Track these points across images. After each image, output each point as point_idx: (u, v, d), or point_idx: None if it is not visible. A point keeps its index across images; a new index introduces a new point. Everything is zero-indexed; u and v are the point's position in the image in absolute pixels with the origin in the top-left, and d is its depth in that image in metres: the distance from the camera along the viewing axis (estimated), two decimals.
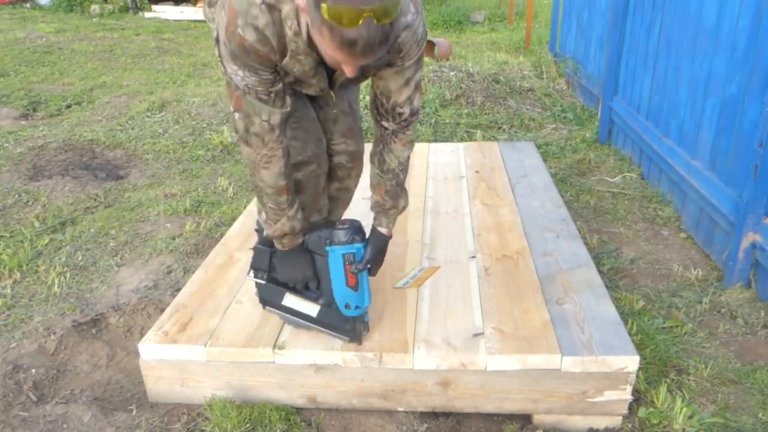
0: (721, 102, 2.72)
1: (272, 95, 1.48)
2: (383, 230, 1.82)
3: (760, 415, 1.86)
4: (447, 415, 1.88)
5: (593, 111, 4.78)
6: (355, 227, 1.72)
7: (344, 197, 2.08)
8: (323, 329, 1.85)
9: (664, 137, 3.34)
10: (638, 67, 3.79)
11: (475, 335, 1.84)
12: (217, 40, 1.46)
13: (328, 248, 1.71)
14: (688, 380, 2.00)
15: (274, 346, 1.82)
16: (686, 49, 3.10)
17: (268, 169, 1.57)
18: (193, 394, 1.90)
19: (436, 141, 4.36)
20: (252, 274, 1.88)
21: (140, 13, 10.82)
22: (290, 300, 1.85)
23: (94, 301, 2.47)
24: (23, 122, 4.90)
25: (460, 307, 1.98)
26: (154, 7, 11.02)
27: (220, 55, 1.46)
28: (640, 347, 2.04)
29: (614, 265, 2.71)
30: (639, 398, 1.89)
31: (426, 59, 6.69)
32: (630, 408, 1.81)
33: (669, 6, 3.33)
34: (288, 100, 1.54)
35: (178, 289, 2.34)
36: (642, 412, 1.83)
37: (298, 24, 1.37)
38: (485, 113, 4.87)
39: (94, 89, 5.88)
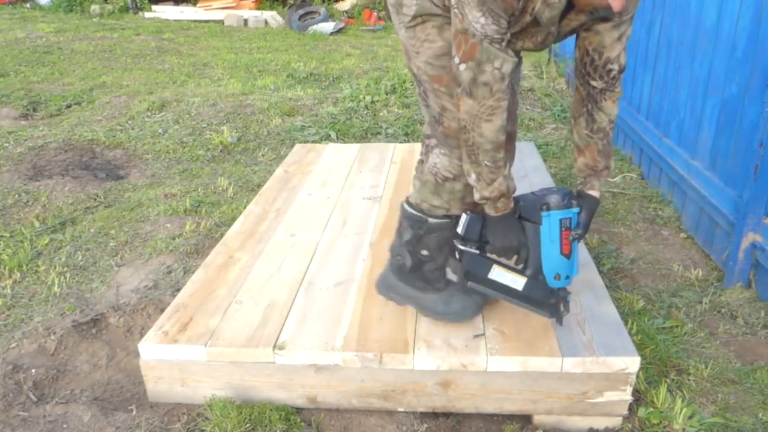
0: (721, 102, 2.72)
1: (503, 43, 1.46)
2: (595, 193, 1.74)
3: (760, 415, 1.86)
4: (447, 415, 1.88)
5: None
6: (567, 191, 1.65)
7: (510, 149, 1.94)
8: (525, 304, 1.75)
9: (664, 137, 3.34)
10: (638, 66, 3.79)
11: (476, 336, 1.84)
12: None
13: (543, 213, 1.62)
14: (688, 380, 2.00)
15: (274, 346, 1.82)
16: (686, 48, 3.10)
17: (491, 122, 1.51)
18: (193, 394, 1.90)
19: None
20: (463, 244, 1.74)
21: (140, 13, 10.81)
22: (497, 272, 1.73)
23: (94, 301, 2.47)
24: (23, 122, 4.90)
25: None
26: (154, 7, 11.01)
27: (460, 3, 1.42)
28: (640, 347, 2.04)
29: (614, 265, 2.71)
30: (639, 398, 1.89)
31: None
32: (630, 408, 1.81)
33: (669, 5, 3.33)
34: (512, 52, 1.51)
35: (178, 289, 2.34)
36: (642, 412, 1.83)
37: None
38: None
39: (94, 89, 5.88)
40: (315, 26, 9.36)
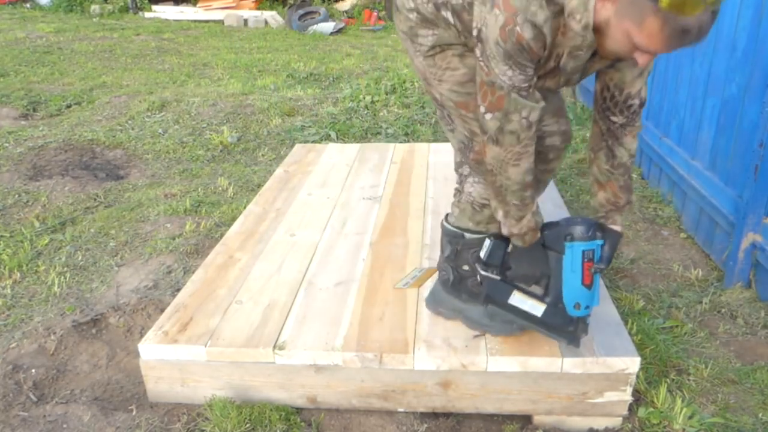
0: (721, 102, 2.72)
1: (531, 90, 1.46)
2: (618, 228, 1.73)
3: (760, 415, 1.86)
4: (447, 415, 1.88)
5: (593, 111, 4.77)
6: (593, 223, 1.66)
7: (546, 180, 1.96)
8: (543, 330, 1.77)
9: (664, 137, 3.34)
10: None
11: (476, 336, 1.84)
12: (481, 39, 1.41)
13: (567, 244, 1.64)
14: (688, 380, 2.00)
15: (275, 346, 1.82)
16: (686, 49, 3.10)
17: (518, 166, 1.53)
18: (193, 394, 1.90)
19: (436, 141, 4.36)
20: (486, 270, 1.77)
21: (140, 13, 10.81)
22: (517, 298, 1.76)
23: (94, 301, 2.47)
24: (23, 122, 4.90)
25: None
26: (154, 7, 11.01)
27: (485, 56, 1.42)
28: (640, 347, 2.04)
29: (614, 265, 2.71)
30: (639, 398, 1.89)
31: None
32: (630, 408, 1.81)
33: None
34: (540, 96, 1.51)
35: (178, 289, 2.34)
36: (642, 412, 1.83)
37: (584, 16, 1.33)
38: None
39: (94, 89, 5.88)
40: (315, 26, 9.36)
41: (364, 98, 5.10)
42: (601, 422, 1.81)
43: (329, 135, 4.48)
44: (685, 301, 2.44)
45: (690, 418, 1.79)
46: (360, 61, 7.27)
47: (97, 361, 2.15)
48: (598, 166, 1.73)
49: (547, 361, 1.74)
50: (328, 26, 9.38)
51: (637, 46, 1.28)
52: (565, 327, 1.73)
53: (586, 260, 1.64)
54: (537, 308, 1.75)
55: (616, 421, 1.81)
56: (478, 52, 1.44)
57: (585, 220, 1.67)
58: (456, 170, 1.87)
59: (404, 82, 5.29)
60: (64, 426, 1.83)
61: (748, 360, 2.12)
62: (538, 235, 1.67)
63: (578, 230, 1.63)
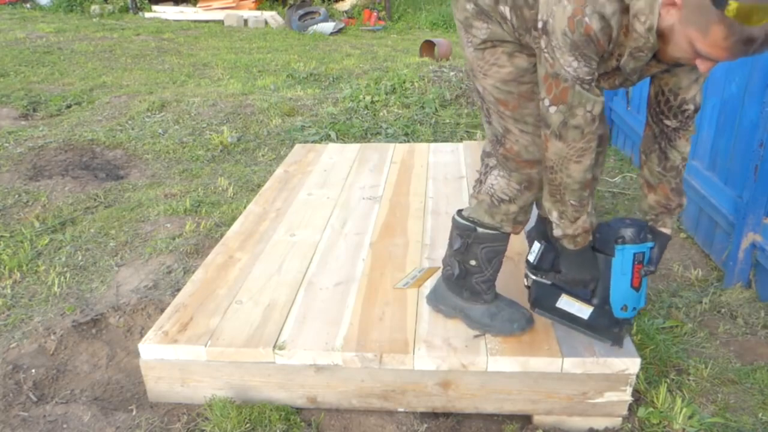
0: (721, 102, 2.72)
1: (593, 85, 1.45)
2: (667, 230, 1.73)
3: (760, 415, 1.86)
4: (447, 415, 1.88)
5: None
6: (643, 225, 1.65)
7: (592, 188, 1.91)
8: (588, 332, 1.78)
9: None
10: None
11: (476, 336, 1.84)
12: (547, 31, 1.40)
13: (618, 246, 1.63)
14: (688, 380, 2.00)
15: (275, 346, 1.82)
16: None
17: (580, 163, 1.51)
18: (193, 394, 1.90)
19: (436, 141, 4.36)
20: (537, 275, 1.77)
21: (140, 13, 10.82)
22: (565, 302, 1.76)
23: (94, 301, 2.47)
24: (23, 122, 4.90)
25: None
26: (154, 7, 11.01)
27: (550, 47, 1.41)
28: (640, 347, 2.04)
29: None
30: (639, 398, 1.89)
31: (426, 59, 6.69)
32: (630, 408, 1.81)
33: None
34: (599, 90, 1.50)
35: (178, 289, 2.34)
36: (642, 412, 1.83)
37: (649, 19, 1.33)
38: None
39: (94, 89, 5.88)
40: (315, 26, 9.37)
41: (364, 98, 5.10)
42: (601, 422, 1.82)
43: (329, 135, 4.48)
44: (685, 301, 2.44)
45: (690, 418, 1.79)
46: (360, 61, 7.27)
47: (97, 361, 2.15)
48: (649, 169, 1.72)
49: (547, 361, 1.74)
50: (328, 26, 9.38)
51: (700, 54, 1.28)
52: (611, 328, 1.73)
53: (636, 263, 1.64)
54: (584, 311, 1.74)
55: (616, 421, 1.81)
56: (543, 43, 1.43)
57: (635, 221, 1.67)
58: (482, 158, 1.85)
59: (404, 82, 5.29)
60: (64, 426, 1.83)
61: (748, 360, 2.12)
62: (590, 237, 1.65)
63: (629, 233, 1.63)
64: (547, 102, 1.47)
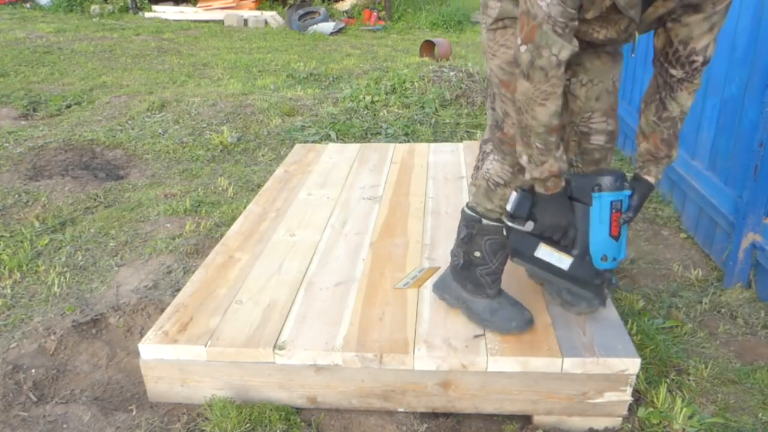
0: (721, 102, 2.72)
1: (567, 30, 1.43)
2: (651, 179, 1.71)
3: (760, 415, 1.86)
4: (447, 415, 1.88)
5: None
6: (620, 174, 1.65)
7: (562, 135, 1.89)
8: (570, 284, 1.77)
9: None
10: (638, 67, 3.79)
11: (476, 336, 1.84)
12: None
13: (594, 194, 1.63)
14: (688, 380, 2.00)
15: (275, 347, 1.82)
16: None
17: (544, 107, 1.51)
18: (193, 394, 1.90)
19: (436, 141, 4.36)
20: (511, 221, 1.76)
21: (140, 13, 10.82)
22: (543, 251, 1.75)
23: (94, 301, 2.47)
24: (23, 122, 4.90)
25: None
26: (154, 7, 11.02)
27: None
28: (640, 347, 2.04)
29: None
30: (639, 398, 1.89)
31: (426, 59, 6.69)
32: (630, 408, 1.81)
33: None
34: (575, 41, 1.49)
35: (178, 289, 2.34)
36: (642, 412, 1.83)
37: None
38: (485, 113, 4.86)
39: (94, 89, 5.88)
40: (315, 26, 9.37)
41: (364, 98, 5.10)
42: (601, 422, 1.82)
43: (329, 135, 4.48)
44: (685, 301, 2.44)
45: (690, 418, 1.79)
46: (360, 61, 7.27)
47: (97, 361, 2.15)
48: (646, 118, 1.71)
49: (547, 361, 1.74)
50: (328, 26, 9.38)
51: None
52: (592, 280, 1.73)
53: (614, 211, 1.63)
54: (564, 261, 1.74)
55: (616, 421, 1.81)
56: None
57: (612, 171, 1.67)
58: (480, 145, 1.87)
59: (404, 82, 5.29)
60: (64, 426, 1.83)
61: (748, 360, 2.12)
62: (562, 183, 1.64)
63: (606, 180, 1.63)
64: (519, 40, 1.48)
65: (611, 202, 1.63)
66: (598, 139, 1.80)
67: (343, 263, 2.30)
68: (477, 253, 1.86)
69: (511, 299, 1.92)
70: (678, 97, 1.61)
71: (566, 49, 1.45)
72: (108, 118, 4.89)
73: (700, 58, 1.54)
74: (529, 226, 1.72)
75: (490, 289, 1.89)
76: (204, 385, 1.88)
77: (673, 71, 1.59)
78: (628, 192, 1.66)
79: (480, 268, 1.87)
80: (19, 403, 1.92)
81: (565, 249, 1.74)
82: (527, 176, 1.64)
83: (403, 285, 2.13)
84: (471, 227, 1.85)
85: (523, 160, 1.62)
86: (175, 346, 1.85)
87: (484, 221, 1.83)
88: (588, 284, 1.74)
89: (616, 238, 1.66)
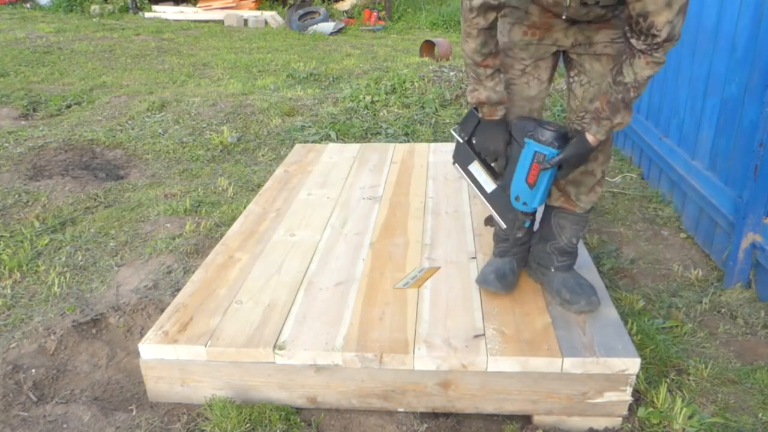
0: (721, 102, 2.72)
1: None
2: (589, 137, 1.76)
3: (760, 415, 1.86)
4: (447, 415, 1.88)
5: None
6: (561, 133, 1.77)
7: (587, 181, 1.97)
8: (490, 207, 1.97)
9: (664, 137, 3.34)
10: None
11: (476, 336, 1.84)
12: None
13: (526, 139, 1.78)
14: (688, 380, 2.00)
15: (275, 347, 1.82)
16: (686, 48, 3.10)
17: (467, 43, 1.72)
18: (193, 394, 1.90)
19: (436, 141, 4.36)
20: (457, 130, 1.99)
21: (140, 13, 10.81)
22: (475, 168, 1.96)
23: (94, 301, 2.47)
24: (23, 122, 4.90)
25: (460, 308, 1.98)
26: (154, 7, 11.01)
27: None
28: (640, 347, 2.04)
29: (614, 265, 2.71)
30: (639, 398, 1.89)
31: (426, 59, 6.69)
32: (630, 408, 1.81)
33: None
34: None
35: (178, 289, 2.34)
36: (642, 412, 1.83)
37: None
38: None
39: (94, 89, 5.88)
40: (315, 26, 9.36)
41: (364, 98, 5.10)
42: (601, 422, 1.82)
43: (329, 135, 4.48)
44: (685, 301, 2.44)
45: (690, 418, 1.79)
46: (360, 61, 7.27)
47: (97, 361, 2.15)
48: (607, 80, 1.73)
49: (547, 361, 1.74)
50: (328, 26, 9.38)
51: None
52: (506, 213, 1.92)
53: (535, 161, 1.77)
54: (489, 185, 1.95)
55: (616, 421, 1.81)
56: None
57: (559, 128, 1.78)
58: None
59: (404, 82, 5.29)
60: (64, 426, 1.83)
61: (748, 360, 2.12)
62: (497, 113, 1.83)
63: (539, 132, 1.76)
64: None
65: (535, 152, 1.77)
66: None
67: (343, 263, 2.30)
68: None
69: (510, 266, 2.08)
70: (635, 64, 1.61)
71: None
72: (108, 118, 4.89)
73: (663, 34, 1.52)
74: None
75: (495, 249, 2.14)
76: (204, 385, 1.88)
77: (634, 41, 1.59)
78: (555, 151, 1.75)
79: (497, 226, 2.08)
80: (19, 403, 1.92)
81: (493, 175, 1.93)
82: (468, 98, 1.86)
83: (403, 285, 2.13)
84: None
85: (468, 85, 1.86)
86: (175, 346, 1.85)
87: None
88: (502, 214, 1.93)
89: (531, 185, 1.81)
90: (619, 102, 1.68)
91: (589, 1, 1.61)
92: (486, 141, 1.90)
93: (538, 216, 2.08)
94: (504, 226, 1.94)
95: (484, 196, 1.97)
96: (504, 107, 1.84)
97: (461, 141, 1.96)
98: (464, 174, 2.00)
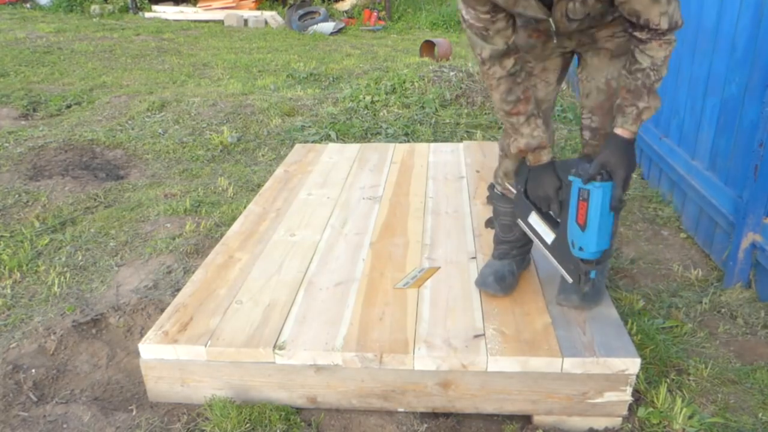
0: (721, 102, 2.72)
1: (490, 32, 1.61)
2: (618, 130, 1.67)
3: (760, 415, 1.86)
4: (447, 415, 1.88)
5: None
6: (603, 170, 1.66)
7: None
8: (552, 258, 1.86)
9: (664, 137, 3.34)
10: None
11: (476, 336, 1.84)
12: None
13: (571, 177, 1.68)
14: (688, 380, 2.00)
15: (275, 346, 1.82)
16: (686, 48, 3.10)
17: (493, 94, 1.73)
18: (193, 394, 1.90)
19: (436, 141, 4.36)
20: (512, 183, 1.95)
21: (140, 13, 10.81)
22: (534, 219, 1.88)
23: (94, 301, 2.47)
24: (23, 122, 4.90)
25: (460, 308, 1.98)
26: (154, 7, 11.01)
27: None
28: (640, 347, 2.04)
29: (614, 265, 2.71)
30: (639, 398, 1.89)
31: (426, 59, 6.69)
32: (630, 408, 1.81)
33: None
34: (511, 37, 1.63)
35: (178, 289, 2.34)
36: (642, 412, 1.83)
37: None
38: (485, 113, 4.87)
39: (94, 89, 5.88)
40: (315, 26, 9.36)
41: (364, 98, 5.10)
42: (601, 422, 1.81)
43: (329, 135, 4.48)
44: (685, 301, 2.44)
45: (690, 418, 1.79)
46: (360, 61, 7.27)
47: (97, 361, 2.15)
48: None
49: (547, 361, 1.74)
50: (328, 26, 9.38)
51: None
52: (567, 263, 1.79)
53: (581, 199, 1.66)
54: (549, 235, 1.84)
55: (615, 421, 1.81)
56: None
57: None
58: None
59: (404, 82, 5.29)
60: (64, 426, 1.83)
61: (748, 360, 2.12)
62: (543, 158, 1.78)
63: (582, 168, 1.66)
64: None
65: (579, 189, 1.67)
66: (585, 134, 1.89)
67: (343, 263, 2.30)
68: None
69: (508, 269, 2.07)
70: (648, 48, 1.59)
71: (486, 50, 1.63)
72: (108, 118, 4.89)
73: (663, 26, 1.53)
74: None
75: (494, 251, 2.13)
76: (204, 385, 1.88)
77: (638, 34, 1.59)
78: (599, 185, 1.63)
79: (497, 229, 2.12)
80: (19, 403, 1.92)
81: (552, 224, 1.83)
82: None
83: (403, 285, 2.13)
84: (491, 194, 2.10)
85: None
86: (175, 346, 1.85)
87: (496, 188, 2.06)
88: (565, 264, 1.81)
89: (582, 227, 1.67)
90: (641, 87, 1.63)
91: (575, 17, 1.60)
92: (536, 189, 1.82)
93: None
94: (570, 280, 1.80)
95: (546, 249, 1.85)
96: (549, 151, 1.79)
97: (517, 192, 1.88)
98: (526, 228, 1.91)
